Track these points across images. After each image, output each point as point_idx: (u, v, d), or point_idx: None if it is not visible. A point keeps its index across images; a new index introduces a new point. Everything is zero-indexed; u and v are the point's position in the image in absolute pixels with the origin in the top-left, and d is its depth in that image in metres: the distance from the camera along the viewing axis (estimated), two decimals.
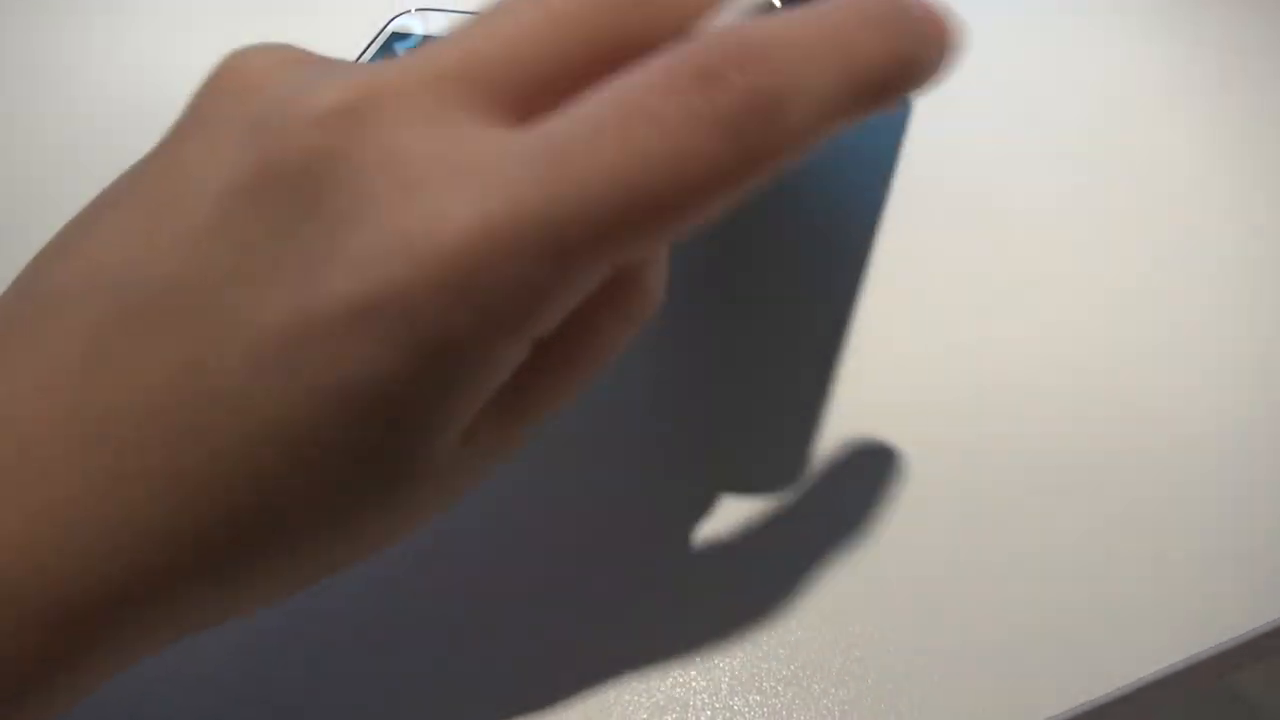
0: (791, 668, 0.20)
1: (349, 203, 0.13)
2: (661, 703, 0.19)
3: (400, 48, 0.33)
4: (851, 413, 0.24)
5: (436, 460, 0.14)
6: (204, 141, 0.14)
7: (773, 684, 0.19)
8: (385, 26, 0.34)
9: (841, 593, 0.21)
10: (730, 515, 0.22)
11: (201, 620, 0.15)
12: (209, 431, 0.13)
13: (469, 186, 0.12)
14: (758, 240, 0.27)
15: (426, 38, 0.34)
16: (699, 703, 0.19)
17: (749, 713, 0.19)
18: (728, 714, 0.19)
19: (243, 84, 0.15)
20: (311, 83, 0.14)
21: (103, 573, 0.13)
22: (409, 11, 0.35)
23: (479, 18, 0.14)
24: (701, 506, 0.23)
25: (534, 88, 0.13)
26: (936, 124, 0.34)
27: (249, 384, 0.13)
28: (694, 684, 0.19)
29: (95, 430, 0.13)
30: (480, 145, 0.13)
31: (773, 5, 0.15)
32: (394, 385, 0.13)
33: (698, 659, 0.20)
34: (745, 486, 0.23)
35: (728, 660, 0.20)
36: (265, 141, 0.13)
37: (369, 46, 0.33)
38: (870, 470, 0.23)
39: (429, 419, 0.14)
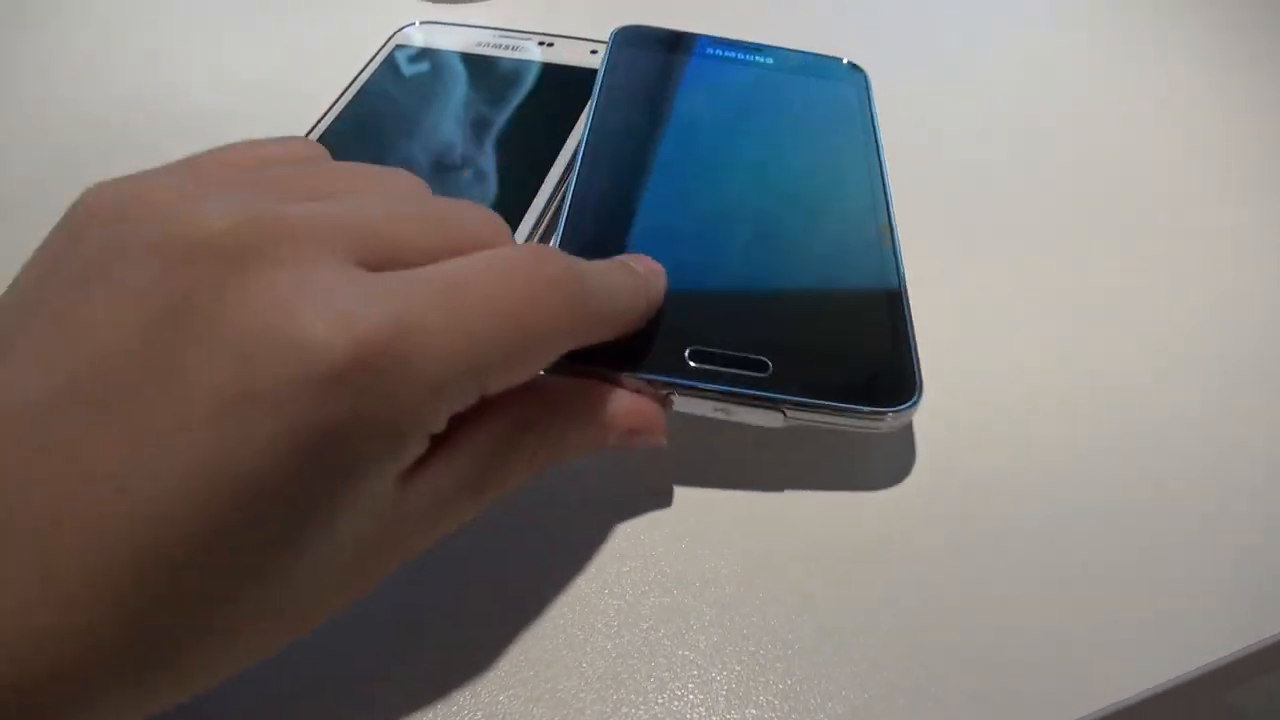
0: (789, 681, 0.20)
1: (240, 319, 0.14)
2: (659, 715, 0.19)
3: (401, 57, 0.33)
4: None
5: (346, 534, 0.15)
6: (104, 279, 0.15)
7: (769, 698, 0.19)
8: (390, 39, 0.34)
9: (838, 607, 0.21)
10: (731, 526, 0.22)
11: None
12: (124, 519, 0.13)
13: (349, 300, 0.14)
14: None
15: (426, 50, 0.34)
16: (695, 716, 0.19)
17: None
18: None
19: (114, 214, 0.15)
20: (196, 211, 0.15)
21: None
22: (413, 24, 0.35)
23: (361, 193, 0.18)
24: (702, 516, 0.23)
25: (383, 255, 0.16)
26: (940, 134, 0.34)
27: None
28: (690, 697, 0.19)
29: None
30: (345, 278, 0.15)
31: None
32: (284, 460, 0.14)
33: (694, 672, 0.20)
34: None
35: (724, 674, 0.20)
36: (176, 271, 0.14)
37: (374, 58, 0.33)
38: (871, 482, 0.23)
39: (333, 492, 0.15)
